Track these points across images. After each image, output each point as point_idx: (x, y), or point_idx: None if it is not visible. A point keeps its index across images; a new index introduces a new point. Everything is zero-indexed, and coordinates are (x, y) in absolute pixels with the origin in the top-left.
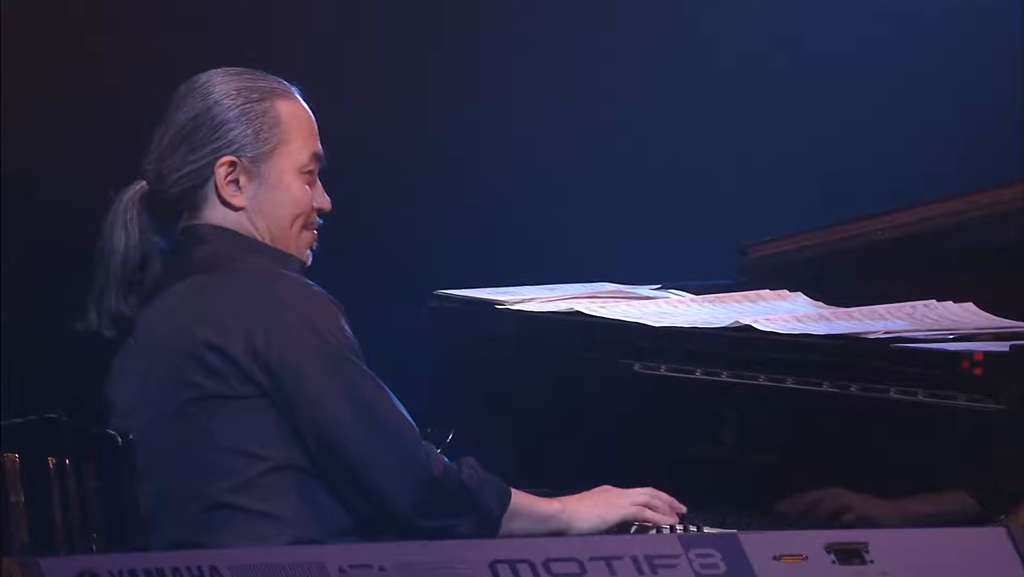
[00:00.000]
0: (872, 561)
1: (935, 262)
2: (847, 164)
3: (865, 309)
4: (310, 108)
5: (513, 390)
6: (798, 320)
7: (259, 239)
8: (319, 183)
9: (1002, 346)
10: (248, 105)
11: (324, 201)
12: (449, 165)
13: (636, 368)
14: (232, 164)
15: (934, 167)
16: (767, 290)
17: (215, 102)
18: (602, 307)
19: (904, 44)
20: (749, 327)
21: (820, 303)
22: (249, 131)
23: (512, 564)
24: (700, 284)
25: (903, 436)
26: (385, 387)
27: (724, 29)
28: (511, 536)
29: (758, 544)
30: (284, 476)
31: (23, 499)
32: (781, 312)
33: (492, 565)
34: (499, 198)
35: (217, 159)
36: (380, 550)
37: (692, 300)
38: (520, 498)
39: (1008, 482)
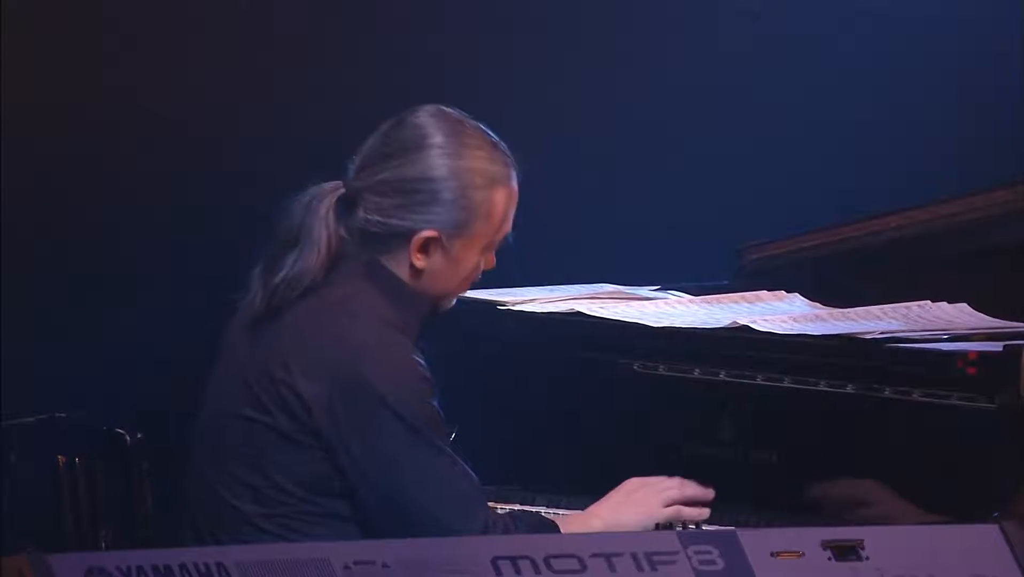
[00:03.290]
0: (868, 557)
1: (930, 263)
2: (847, 164)
3: (860, 310)
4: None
5: (514, 389)
6: (795, 321)
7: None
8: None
9: (995, 346)
10: (471, 192)
11: (491, 263)
12: None
13: (635, 368)
14: (431, 239)
15: (934, 167)
16: (764, 291)
17: (443, 177)
18: (602, 307)
19: (904, 44)
20: (747, 327)
21: (816, 304)
22: (461, 217)
23: (514, 560)
24: (699, 285)
25: (898, 435)
26: (458, 462)
27: (724, 29)
28: None
29: (756, 541)
30: (321, 520)
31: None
32: (778, 313)
33: (494, 561)
34: None
35: (421, 228)
36: (384, 546)
37: (691, 301)
38: (566, 529)
39: (1001, 480)
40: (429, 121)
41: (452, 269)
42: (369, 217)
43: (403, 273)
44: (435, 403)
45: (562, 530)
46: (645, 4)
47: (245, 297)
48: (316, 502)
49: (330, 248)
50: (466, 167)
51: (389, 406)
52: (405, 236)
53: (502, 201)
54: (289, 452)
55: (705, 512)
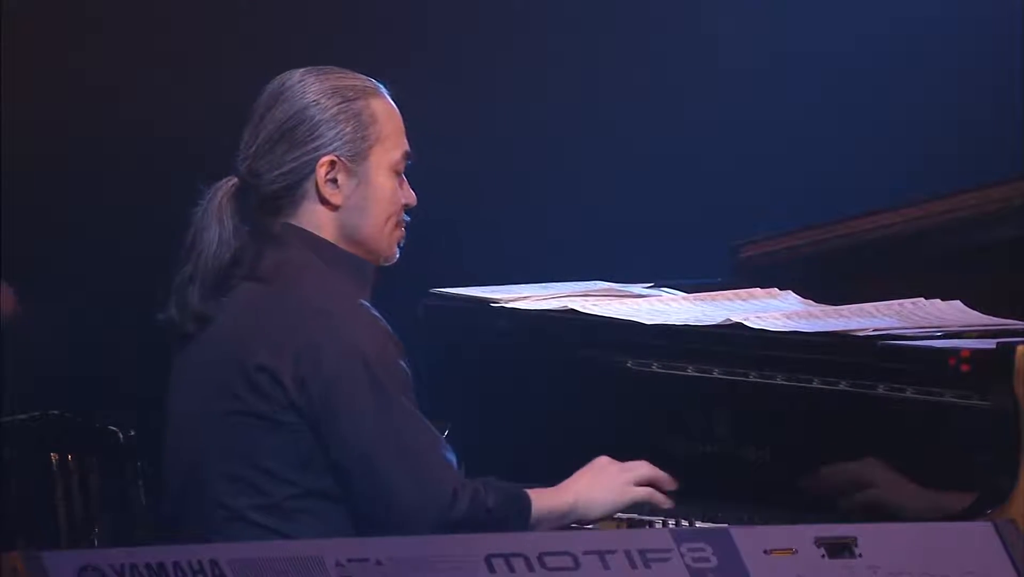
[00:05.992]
0: (861, 555)
1: (924, 260)
2: (847, 164)
3: (854, 307)
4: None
5: (508, 387)
6: (788, 318)
7: (346, 242)
8: (405, 180)
9: (989, 343)
10: (345, 104)
11: (411, 197)
12: (447, 164)
13: (629, 365)
14: (332, 163)
15: (934, 167)
16: (758, 288)
17: (313, 101)
18: (595, 305)
19: (904, 44)
20: (740, 325)
21: (810, 301)
22: (348, 130)
23: (507, 558)
24: (692, 283)
25: (891, 432)
26: (430, 427)
27: (724, 29)
28: None
29: (749, 538)
30: (309, 502)
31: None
32: (772, 310)
33: (487, 559)
34: (496, 197)
35: (317, 157)
36: (377, 544)
37: (684, 298)
38: (539, 502)
39: (995, 478)
40: (282, 76)
41: (371, 194)
42: (268, 177)
43: (325, 223)
44: (403, 364)
45: (535, 504)
46: (645, 4)
47: (169, 311)
48: (305, 484)
49: (229, 230)
50: (331, 86)
51: (354, 362)
52: (308, 176)
53: (381, 109)
54: (272, 435)
55: (670, 501)
